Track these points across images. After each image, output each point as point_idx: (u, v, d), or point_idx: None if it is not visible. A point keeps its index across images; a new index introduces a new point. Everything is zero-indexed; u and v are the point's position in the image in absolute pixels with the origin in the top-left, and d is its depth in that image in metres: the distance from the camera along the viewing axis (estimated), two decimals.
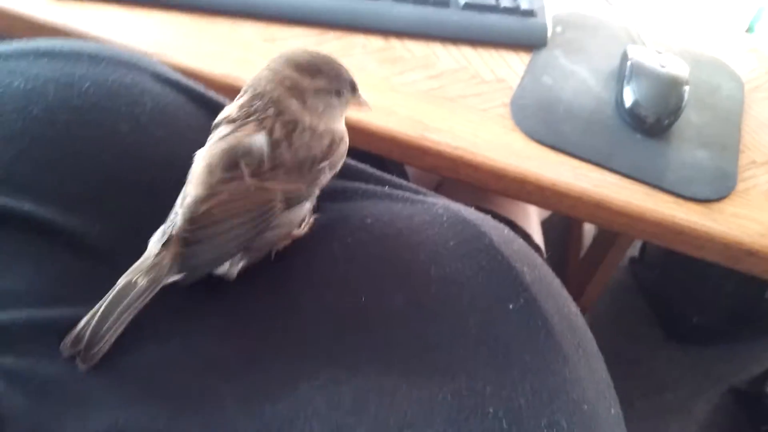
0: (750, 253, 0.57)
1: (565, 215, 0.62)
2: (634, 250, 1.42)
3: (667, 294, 1.35)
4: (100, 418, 0.33)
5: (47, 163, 0.39)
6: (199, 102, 0.47)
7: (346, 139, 0.43)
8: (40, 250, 0.37)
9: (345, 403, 0.34)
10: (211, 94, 0.48)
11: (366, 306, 0.39)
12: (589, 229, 1.34)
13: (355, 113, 0.60)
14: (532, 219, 0.82)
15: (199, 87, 0.48)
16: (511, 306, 0.38)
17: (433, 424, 0.34)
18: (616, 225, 0.59)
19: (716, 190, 0.60)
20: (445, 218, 0.43)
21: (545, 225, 0.90)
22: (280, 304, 0.40)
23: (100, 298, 0.35)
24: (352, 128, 0.59)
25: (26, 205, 0.37)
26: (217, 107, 0.45)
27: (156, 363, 0.36)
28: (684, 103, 0.64)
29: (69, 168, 0.39)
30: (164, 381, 0.36)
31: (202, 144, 0.40)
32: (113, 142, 0.40)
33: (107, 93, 0.41)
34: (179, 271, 0.37)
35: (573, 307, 0.42)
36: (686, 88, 0.65)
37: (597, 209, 0.59)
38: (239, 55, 0.63)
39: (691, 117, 0.66)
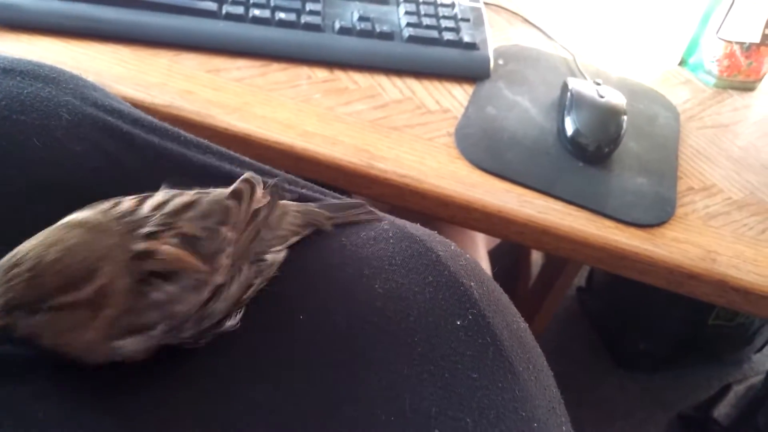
0: (691, 277, 0.58)
1: (512, 241, 0.62)
2: (581, 279, 1.44)
3: (614, 322, 1.38)
4: None
5: None
6: (119, 117, 0.44)
7: None
8: None
9: (281, 422, 0.33)
10: (138, 112, 0.46)
11: (304, 323, 0.38)
12: (536, 259, 1.35)
13: (301, 142, 0.60)
14: (480, 248, 0.83)
15: (124, 105, 0.46)
16: (458, 322, 0.37)
17: None
18: (562, 250, 0.60)
19: (656, 215, 0.61)
20: (390, 234, 0.42)
21: (493, 255, 0.91)
22: None
23: None
24: (299, 157, 0.59)
25: None
26: (143, 123, 0.44)
27: None
28: (623, 132, 0.66)
29: None
30: None
31: (123, 160, 0.38)
32: (23, 157, 0.38)
33: (20, 106, 0.39)
34: None
35: (522, 323, 0.41)
36: (624, 117, 0.66)
37: (542, 235, 0.59)
38: (182, 86, 0.62)
39: (630, 145, 0.68)
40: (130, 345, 0.33)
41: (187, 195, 0.36)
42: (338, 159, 0.59)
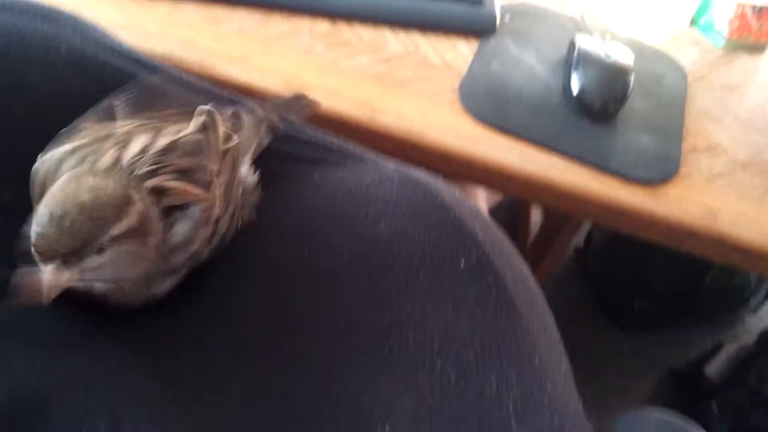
0: (691, 234, 0.58)
1: (513, 198, 0.62)
2: (579, 239, 1.45)
3: (610, 282, 1.38)
4: None
5: None
6: (119, 56, 0.44)
7: None
8: None
9: (283, 358, 0.34)
10: (138, 53, 0.45)
11: (310, 259, 0.38)
12: (536, 219, 1.35)
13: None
14: (481, 206, 0.83)
15: (124, 45, 0.45)
16: (462, 263, 0.38)
17: (379, 377, 0.34)
18: (563, 207, 0.60)
19: (660, 173, 0.61)
20: (396, 178, 0.42)
21: (492, 213, 0.91)
22: (218, 258, 0.39)
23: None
24: None
25: None
26: (144, 62, 0.43)
27: None
28: (629, 91, 0.65)
29: None
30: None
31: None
32: (24, 92, 0.38)
33: (19, 41, 0.38)
34: None
35: (525, 267, 0.42)
36: (632, 76, 0.66)
37: (544, 192, 0.59)
38: (182, 35, 0.61)
39: (636, 104, 0.67)
40: (165, 287, 0.35)
41: (164, 138, 0.36)
42: (340, 112, 0.59)
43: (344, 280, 0.37)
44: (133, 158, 0.34)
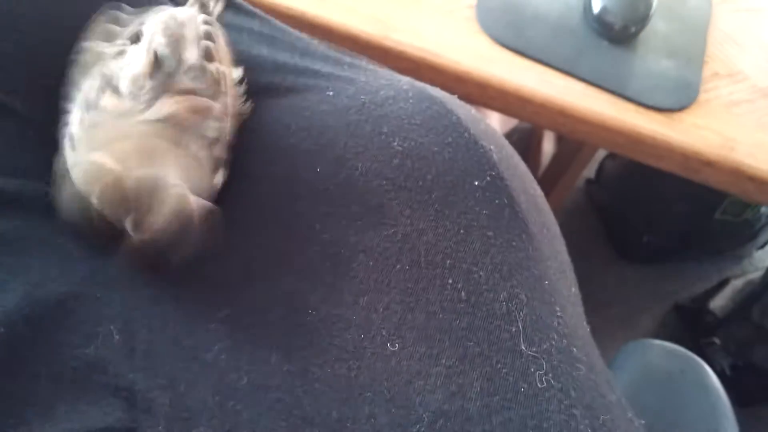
0: (708, 164, 0.57)
1: (527, 124, 0.61)
2: (590, 171, 1.43)
3: (620, 214, 1.38)
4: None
5: None
6: None
7: None
8: None
9: (295, 270, 0.34)
10: None
11: (320, 176, 0.38)
12: (547, 150, 1.34)
13: (314, 8, 0.57)
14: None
15: None
16: (476, 182, 0.37)
17: (390, 293, 0.34)
18: (578, 133, 0.59)
19: (678, 100, 0.60)
20: (411, 94, 0.41)
21: None
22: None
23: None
24: (311, 25, 0.57)
25: None
26: None
27: None
28: (652, 11, 0.63)
29: None
30: None
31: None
32: (32, 3, 0.37)
33: None
34: None
35: (539, 190, 0.41)
36: None
37: (560, 116, 0.58)
38: None
39: (658, 26, 0.65)
40: (220, 178, 0.36)
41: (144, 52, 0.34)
42: (352, 28, 0.57)
43: (356, 196, 0.37)
44: (137, 89, 0.33)
